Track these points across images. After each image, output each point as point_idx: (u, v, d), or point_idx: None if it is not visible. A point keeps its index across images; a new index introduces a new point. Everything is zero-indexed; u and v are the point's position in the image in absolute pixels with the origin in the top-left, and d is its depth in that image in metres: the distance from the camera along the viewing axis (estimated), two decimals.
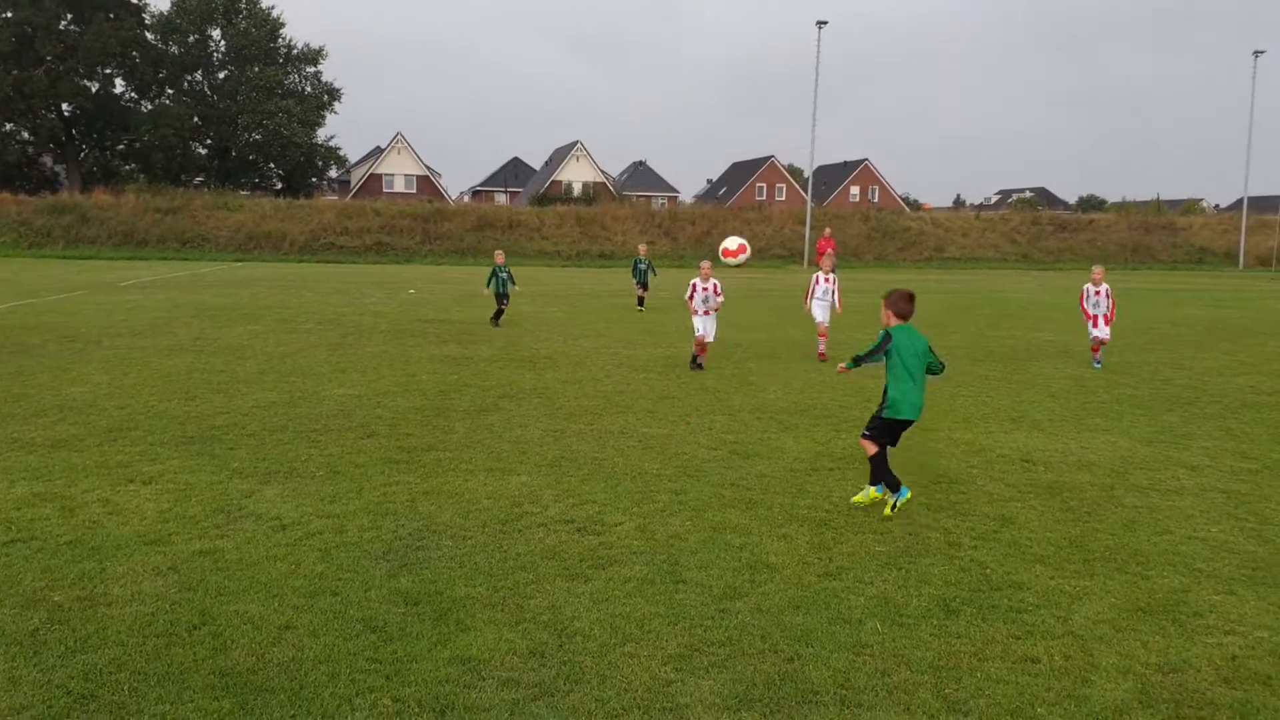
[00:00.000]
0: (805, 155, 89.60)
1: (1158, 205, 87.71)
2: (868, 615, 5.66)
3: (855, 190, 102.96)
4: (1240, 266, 63.58)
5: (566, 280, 40.32)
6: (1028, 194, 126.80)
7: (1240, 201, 68.72)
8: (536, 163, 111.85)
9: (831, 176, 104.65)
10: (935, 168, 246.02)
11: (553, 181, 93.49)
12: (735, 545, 6.84)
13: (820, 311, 16.56)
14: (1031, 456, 9.74)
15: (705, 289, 15.02)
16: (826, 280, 16.50)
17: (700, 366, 15.08)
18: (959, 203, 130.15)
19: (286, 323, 20.84)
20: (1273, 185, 59.24)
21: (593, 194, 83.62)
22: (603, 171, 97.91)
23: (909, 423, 7.84)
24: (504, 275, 21.19)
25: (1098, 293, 16.27)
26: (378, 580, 6.09)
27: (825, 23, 56.30)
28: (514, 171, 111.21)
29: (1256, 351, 18.51)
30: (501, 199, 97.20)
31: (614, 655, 5.11)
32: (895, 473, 7.71)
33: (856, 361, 8.01)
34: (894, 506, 7.57)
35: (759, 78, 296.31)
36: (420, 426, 10.56)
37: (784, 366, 15.67)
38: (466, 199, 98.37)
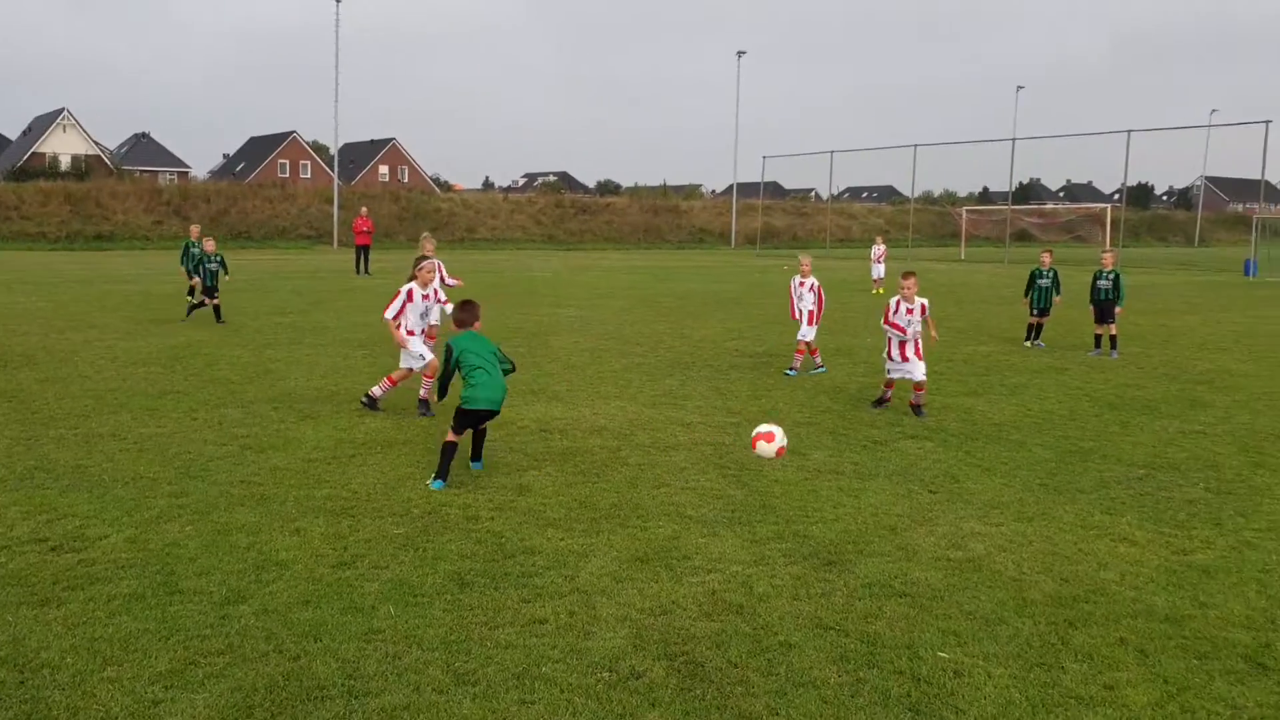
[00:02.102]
0: (330, 132, 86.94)
1: (664, 190, 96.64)
2: (381, 600, 5.53)
3: (384, 170, 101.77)
4: (733, 245, 71.78)
5: (52, 265, 35.64)
6: (551, 177, 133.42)
7: (731, 188, 77.59)
8: (12, 132, 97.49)
9: (359, 155, 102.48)
10: (464, 149, 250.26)
11: (34, 154, 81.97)
12: (242, 546, 6.38)
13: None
14: (549, 426, 10.17)
15: (426, 296, 10.68)
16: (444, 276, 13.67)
17: (427, 408, 10.54)
18: (488, 184, 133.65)
19: None
20: (755, 173, 67.71)
21: (85, 168, 74.62)
22: (97, 144, 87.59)
23: (490, 413, 8.07)
24: (214, 264, 18.81)
25: (802, 284, 13.91)
26: None
27: None
28: None
29: (743, 319, 20.93)
30: None
31: (90, 683, 4.52)
32: (450, 467, 7.92)
33: (441, 390, 8.44)
34: (431, 484, 7.88)
35: (278, 49, 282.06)
36: None
37: (308, 353, 15.02)
38: None
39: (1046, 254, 17.82)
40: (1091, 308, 16.53)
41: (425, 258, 10.92)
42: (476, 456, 8.42)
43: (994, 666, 4.87)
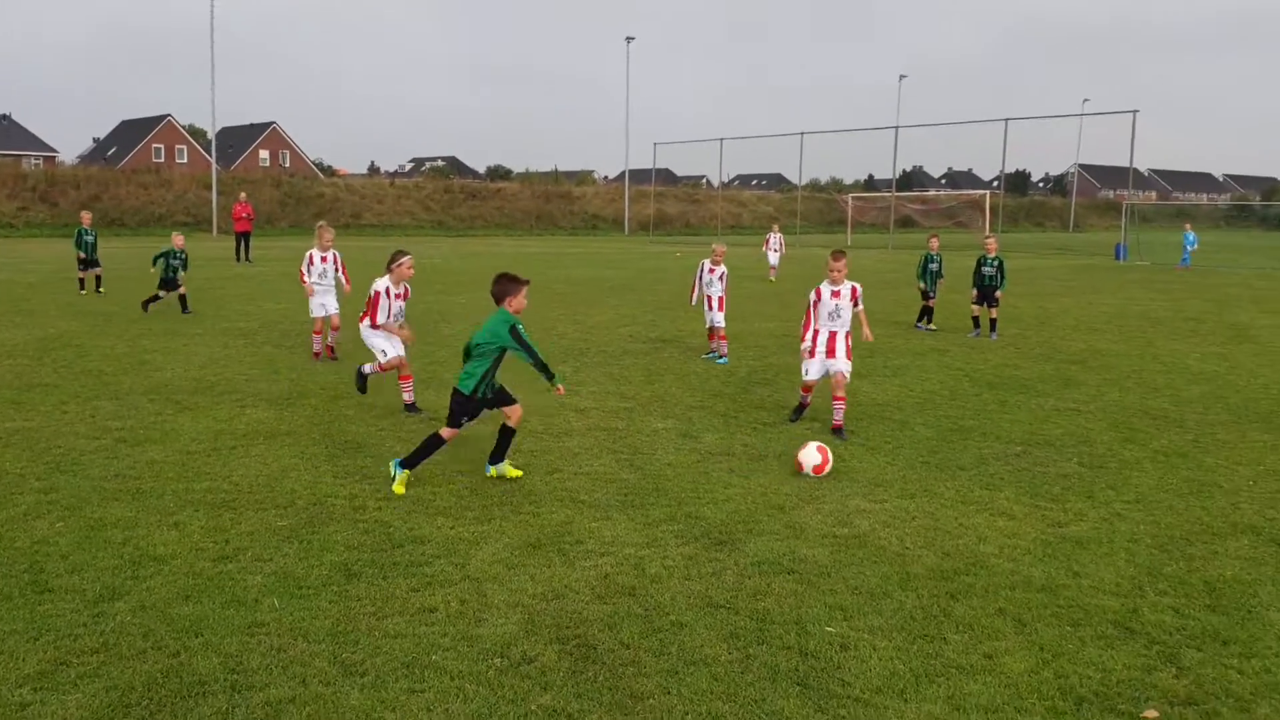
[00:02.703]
0: (207, 115, 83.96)
1: (556, 176, 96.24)
2: (265, 593, 5.38)
3: (265, 154, 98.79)
4: (626, 232, 71.88)
5: None
6: (440, 162, 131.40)
7: (624, 174, 77.67)
8: None
9: (238, 139, 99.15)
10: (348, 134, 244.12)
11: None
12: (117, 542, 6.13)
13: (331, 301, 13.41)
14: (439, 414, 9.99)
15: (399, 295, 10.14)
16: (324, 260, 13.40)
17: (415, 408, 10.30)
18: (374, 169, 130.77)
19: None
20: (647, 159, 68.05)
21: None
22: None
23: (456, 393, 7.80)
24: (176, 261, 18.31)
25: (711, 270, 13.86)
26: None
27: None
28: None
29: (637, 305, 20.97)
30: None
31: None
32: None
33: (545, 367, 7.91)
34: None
35: (150, 28, 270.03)
36: None
37: (185, 343, 14.50)
38: None
39: (935, 239, 18.33)
40: (974, 291, 17.05)
41: (403, 252, 10.15)
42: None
43: (879, 639, 5.00)
